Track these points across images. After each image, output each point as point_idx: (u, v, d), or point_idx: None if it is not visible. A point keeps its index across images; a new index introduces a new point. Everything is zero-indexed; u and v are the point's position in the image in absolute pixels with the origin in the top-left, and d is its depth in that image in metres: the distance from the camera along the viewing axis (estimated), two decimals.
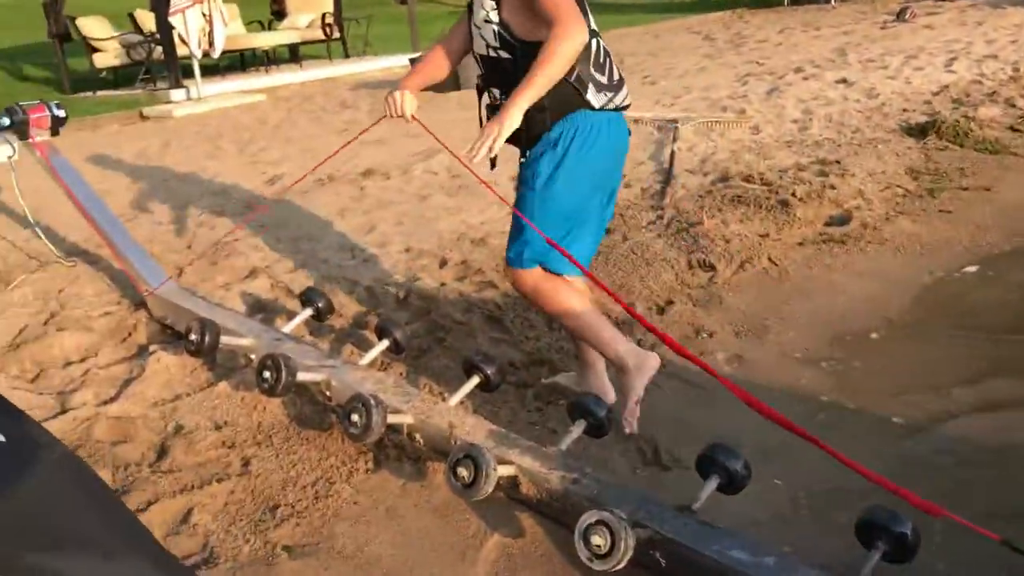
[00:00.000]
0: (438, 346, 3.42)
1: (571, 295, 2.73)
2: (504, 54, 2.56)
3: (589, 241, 2.77)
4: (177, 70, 10.56)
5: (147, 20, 11.32)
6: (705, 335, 3.50)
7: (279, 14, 14.16)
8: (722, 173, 5.35)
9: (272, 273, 4.27)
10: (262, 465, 2.74)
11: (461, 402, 2.83)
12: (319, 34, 12.90)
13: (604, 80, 2.61)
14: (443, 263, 4.32)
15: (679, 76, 9.03)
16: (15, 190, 4.21)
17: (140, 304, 3.84)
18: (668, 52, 11.13)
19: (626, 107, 2.72)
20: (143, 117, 9.71)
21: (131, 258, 3.82)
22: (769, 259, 4.10)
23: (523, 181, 2.70)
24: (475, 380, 2.84)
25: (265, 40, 12.12)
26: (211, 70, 11.35)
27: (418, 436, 2.73)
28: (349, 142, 3.87)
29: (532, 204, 2.63)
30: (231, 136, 8.02)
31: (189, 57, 10.11)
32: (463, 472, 2.36)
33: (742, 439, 2.56)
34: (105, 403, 3.13)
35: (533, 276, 2.70)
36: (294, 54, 13.77)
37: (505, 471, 2.43)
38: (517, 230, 2.69)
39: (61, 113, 4.17)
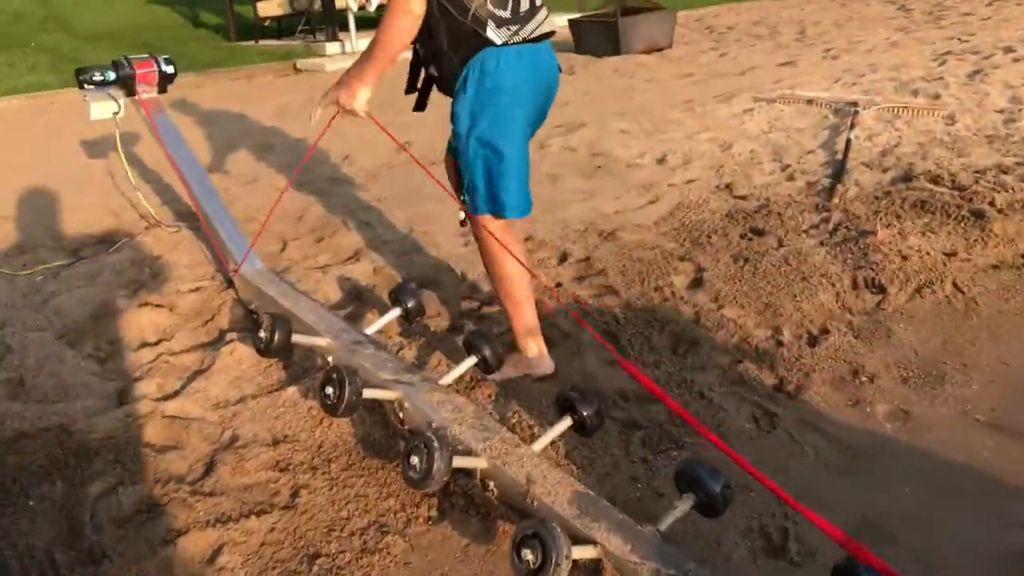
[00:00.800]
0: None
1: (514, 265, 2.75)
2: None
3: (516, 184, 2.68)
4: (335, 23, 10.40)
5: None
6: (864, 378, 2.85)
7: None
8: (905, 170, 4.57)
9: (377, 256, 3.89)
10: (312, 499, 2.35)
11: (551, 444, 2.35)
12: None
13: (506, 14, 2.54)
14: (563, 258, 3.82)
15: (865, 51, 8.07)
16: (118, 148, 3.99)
17: (230, 282, 3.54)
18: (856, 23, 10.06)
19: (542, 36, 2.66)
20: (296, 70, 9.61)
21: (221, 231, 3.52)
22: (954, 285, 3.37)
23: (453, 130, 2.70)
24: (568, 422, 2.34)
25: None
26: (368, 23, 11.13)
27: (492, 485, 2.26)
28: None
29: (464, 152, 2.65)
30: (375, 96, 7.72)
31: (347, 10, 9.91)
32: (529, 555, 1.87)
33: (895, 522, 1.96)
34: (165, 398, 2.83)
35: (488, 225, 2.71)
36: None
37: (585, 553, 1.94)
38: (468, 178, 2.70)
39: (170, 69, 3.90)
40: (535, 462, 2.20)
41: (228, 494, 2.38)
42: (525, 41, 2.58)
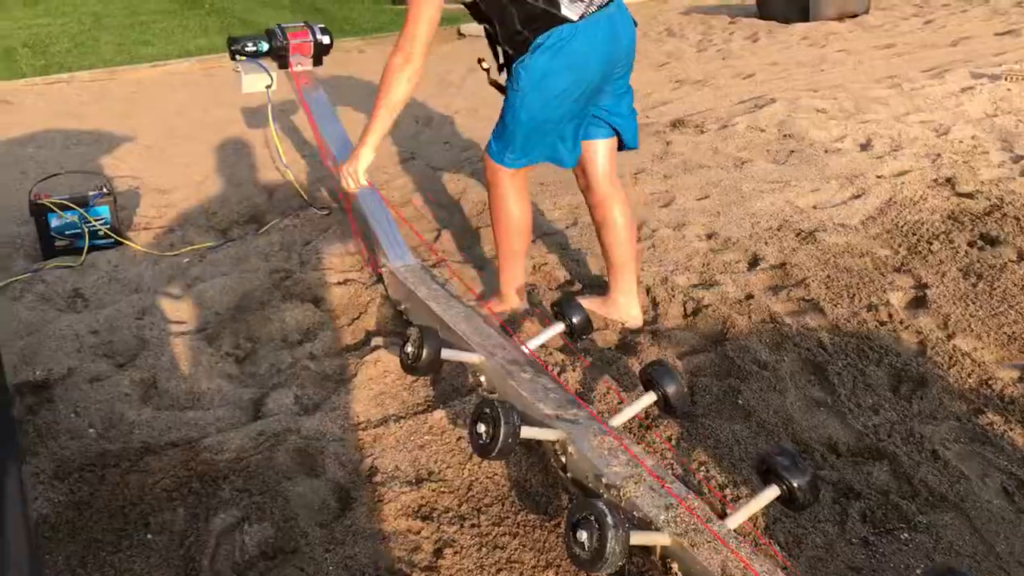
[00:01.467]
0: (728, 400, 2.47)
1: (518, 212, 2.84)
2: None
3: (569, 145, 2.75)
4: None
5: None
6: None
7: None
8: None
9: (537, 251, 3.49)
10: (457, 561, 1.98)
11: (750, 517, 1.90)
12: None
13: None
14: (753, 262, 3.31)
15: None
16: (270, 123, 3.74)
17: (379, 276, 3.23)
18: None
19: (606, 3, 2.60)
20: (460, 35, 9.28)
21: (371, 221, 3.20)
22: None
23: (508, 83, 2.68)
24: (773, 492, 1.88)
25: None
26: None
27: (676, 568, 1.83)
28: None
29: (514, 106, 2.64)
30: None
31: None
32: None
33: None
34: (303, 412, 2.53)
35: (499, 172, 2.76)
36: None
37: None
38: (501, 124, 2.73)
39: (325, 39, 3.60)
40: (733, 543, 1.76)
41: (362, 543, 2.04)
42: (600, 8, 2.58)
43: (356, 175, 2.82)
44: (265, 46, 3.52)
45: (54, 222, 3.53)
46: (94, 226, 3.58)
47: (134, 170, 4.96)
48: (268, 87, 3.60)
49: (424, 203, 4.10)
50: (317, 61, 3.64)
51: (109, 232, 3.61)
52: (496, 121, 2.75)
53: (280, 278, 3.36)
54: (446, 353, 2.41)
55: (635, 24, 2.78)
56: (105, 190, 3.64)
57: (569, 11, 2.55)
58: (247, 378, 2.76)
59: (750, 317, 2.89)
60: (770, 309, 2.93)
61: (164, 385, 2.68)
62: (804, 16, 7.87)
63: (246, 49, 3.50)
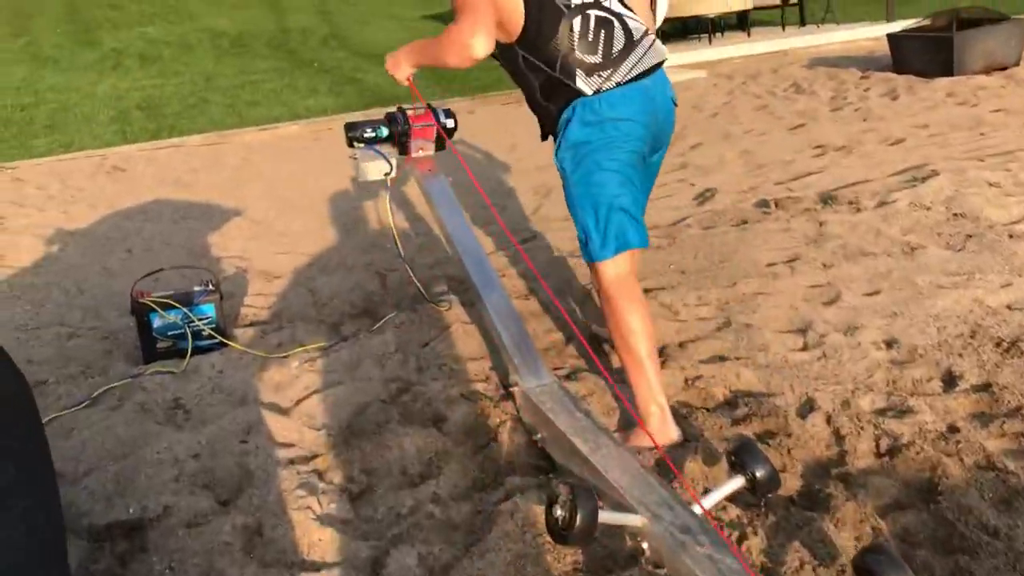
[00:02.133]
0: None
1: (637, 318, 2.59)
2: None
3: (626, 218, 2.57)
4: None
5: None
6: None
7: None
8: None
9: (685, 355, 3.04)
10: None
11: None
12: None
13: (596, 59, 2.49)
14: (949, 381, 2.79)
15: None
16: (388, 212, 3.41)
17: (507, 390, 2.84)
18: None
19: (646, 71, 2.54)
20: None
21: (499, 328, 2.81)
22: None
23: (561, 172, 2.64)
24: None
25: (714, 6, 10.83)
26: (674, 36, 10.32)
27: None
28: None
29: (572, 196, 2.61)
30: None
31: None
32: None
33: None
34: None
35: (598, 270, 2.62)
36: (743, 21, 12.37)
37: None
38: (576, 223, 2.64)
39: (450, 123, 3.26)
40: None
41: None
42: (624, 82, 2.49)
43: (395, 72, 2.87)
44: (385, 131, 3.21)
45: (156, 322, 3.27)
46: (198, 326, 3.30)
47: (242, 250, 4.73)
48: (387, 175, 3.28)
49: (547, 298, 3.71)
50: (440, 146, 3.31)
51: (213, 332, 3.32)
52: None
53: (397, 389, 3.00)
54: (603, 516, 1.99)
55: (675, 104, 2.71)
56: (211, 286, 3.36)
57: (584, 85, 2.49)
58: (363, 524, 2.38)
59: (962, 460, 2.38)
60: (984, 449, 2.41)
61: (270, 533, 2.32)
62: (947, 70, 7.27)
63: (364, 136, 3.19)
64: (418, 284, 3.46)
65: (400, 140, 3.24)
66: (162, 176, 6.72)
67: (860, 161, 5.07)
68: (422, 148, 3.31)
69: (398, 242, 3.39)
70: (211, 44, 14.24)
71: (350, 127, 3.21)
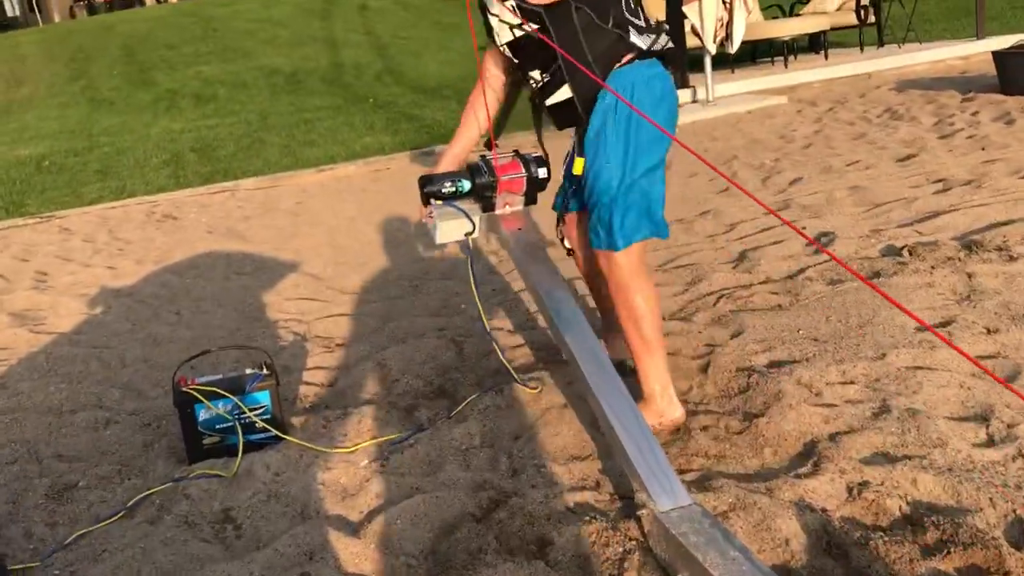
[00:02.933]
0: None
1: (648, 301, 2.60)
2: (530, 26, 2.47)
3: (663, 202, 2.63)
4: (684, 66, 9.14)
5: (654, 7, 10.06)
6: None
7: None
8: None
9: (846, 452, 2.46)
10: None
11: None
12: (851, 19, 10.72)
13: (641, 23, 2.53)
14: None
15: None
16: (471, 277, 2.89)
17: (633, 509, 2.29)
18: None
19: (669, 51, 2.58)
20: None
21: (627, 442, 2.26)
22: None
23: (595, 153, 2.55)
24: None
25: (788, 28, 10.24)
26: (715, 63, 9.75)
27: None
28: None
29: (620, 180, 2.52)
30: (745, 157, 6.33)
31: (697, 49, 8.61)
32: None
33: None
34: None
35: (630, 257, 2.55)
36: (814, 43, 11.75)
37: None
38: (618, 206, 2.52)
39: (542, 173, 2.75)
40: None
41: None
42: (663, 50, 2.54)
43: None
44: (467, 185, 2.70)
45: (202, 415, 2.78)
46: (250, 418, 2.81)
47: (300, 312, 4.26)
48: (468, 234, 2.78)
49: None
50: (530, 199, 2.80)
51: (267, 425, 2.82)
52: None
53: (489, 501, 2.46)
54: None
55: None
56: (266, 369, 2.87)
57: (638, 40, 2.51)
58: None
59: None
60: None
61: None
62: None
63: (443, 191, 2.69)
64: (507, 363, 2.92)
65: (484, 195, 2.73)
66: (214, 225, 6.32)
67: (994, 198, 4.44)
68: (509, 203, 2.80)
69: (484, 315, 2.86)
70: (266, 82, 14.02)
71: (427, 181, 2.71)
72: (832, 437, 2.59)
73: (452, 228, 2.77)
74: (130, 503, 2.64)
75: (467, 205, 2.78)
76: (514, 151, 2.81)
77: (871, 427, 2.60)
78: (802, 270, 3.88)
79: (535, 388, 3.00)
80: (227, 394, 2.78)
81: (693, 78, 9.09)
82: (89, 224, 6.77)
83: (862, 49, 11.16)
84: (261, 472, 2.69)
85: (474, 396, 3.04)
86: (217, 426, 2.80)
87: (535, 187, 2.78)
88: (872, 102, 7.84)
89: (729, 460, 2.55)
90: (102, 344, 4.11)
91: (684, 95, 8.84)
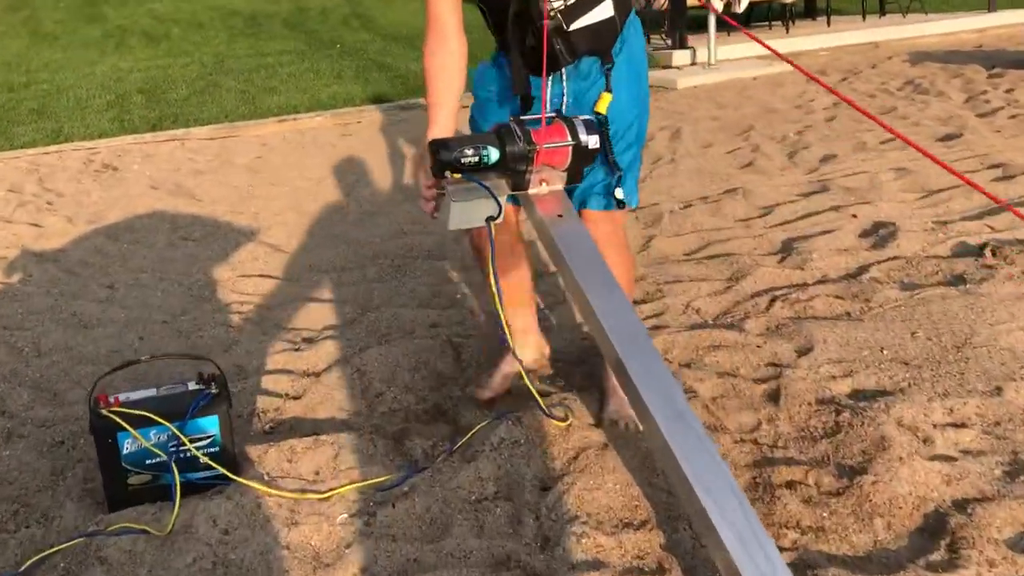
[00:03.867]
0: None
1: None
2: None
3: None
4: (683, 25, 8.45)
5: None
6: None
7: None
8: None
9: (981, 530, 1.85)
10: None
11: None
12: None
13: None
14: None
15: None
16: (491, 273, 2.20)
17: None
18: None
19: None
20: None
21: (715, 514, 1.61)
22: None
23: (626, 91, 2.23)
24: None
25: None
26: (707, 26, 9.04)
27: None
28: None
29: (629, 137, 2.27)
30: (763, 128, 5.69)
31: (700, 8, 7.92)
32: None
33: None
34: None
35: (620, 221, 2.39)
36: (810, 9, 11.14)
37: None
38: (637, 158, 2.34)
39: (593, 142, 2.07)
40: None
41: None
42: None
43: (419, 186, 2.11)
44: (494, 154, 2.01)
45: (128, 446, 2.08)
46: (193, 453, 2.12)
47: (259, 293, 3.55)
48: (492, 219, 2.10)
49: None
50: (574, 176, 2.12)
51: (214, 462, 2.14)
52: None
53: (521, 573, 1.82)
54: None
55: None
56: (214, 386, 2.17)
57: None
58: None
59: None
60: None
61: None
62: None
63: (464, 160, 1.99)
64: (533, 389, 2.24)
65: (516, 168, 2.05)
66: (160, 179, 5.53)
67: None
68: (546, 179, 2.12)
69: (508, 328, 2.18)
70: (223, 24, 13.03)
71: (441, 146, 2.00)
72: (960, 506, 1.98)
73: (471, 210, 2.09)
74: (24, 566, 1.95)
75: (491, 180, 2.09)
76: (556, 111, 2.13)
77: (1008, 494, 2.00)
78: (864, 268, 3.26)
79: (564, 420, 2.34)
80: (161, 420, 2.09)
81: (693, 39, 8.40)
82: (16, 171, 5.94)
83: (864, 17, 10.55)
84: (205, 528, 2.00)
85: (484, 424, 2.38)
86: (147, 462, 2.10)
87: (583, 159, 2.10)
88: (888, 74, 7.24)
89: (830, 536, 1.93)
90: (15, 325, 3.37)
91: (683, 56, 8.16)
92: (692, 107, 6.60)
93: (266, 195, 5.02)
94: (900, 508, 1.98)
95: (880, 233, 3.56)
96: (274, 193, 5.05)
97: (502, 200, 2.09)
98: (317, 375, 2.79)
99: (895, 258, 3.31)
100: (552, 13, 2.15)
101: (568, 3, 2.16)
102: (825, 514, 1.97)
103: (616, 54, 2.24)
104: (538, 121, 2.10)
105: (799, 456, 2.21)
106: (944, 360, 2.56)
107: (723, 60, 7.98)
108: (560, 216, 2.08)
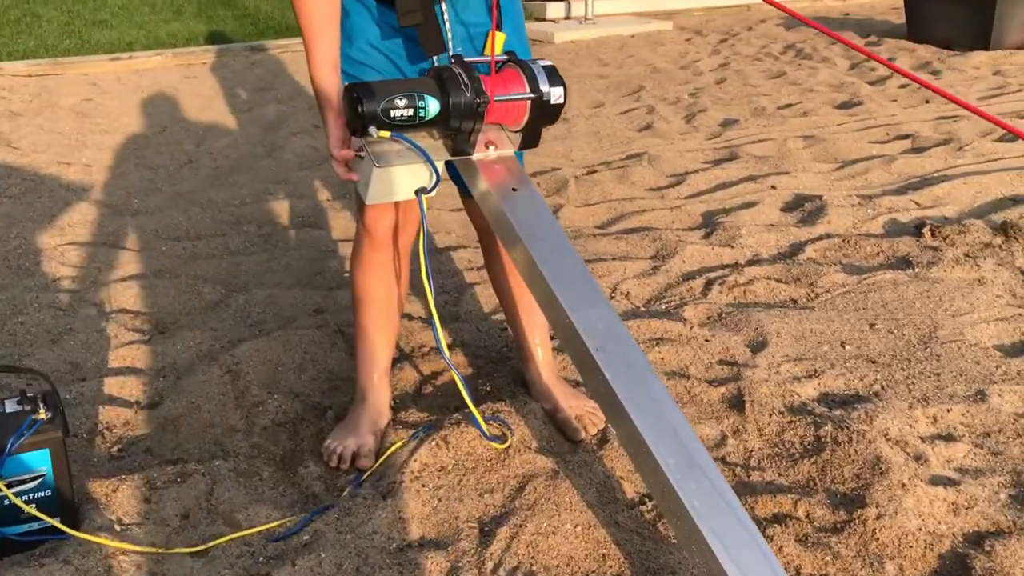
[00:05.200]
0: None
1: None
2: None
3: None
4: None
5: None
6: None
7: None
8: None
9: (1002, 567, 1.57)
10: None
11: None
12: None
13: None
14: None
15: None
16: (422, 260, 1.72)
17: None
18: None
19: None
20: None
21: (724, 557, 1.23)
22: None
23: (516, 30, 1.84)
24: None
25: None
26: None
27: None
28: None
29: None
30: (654, 88, 5.37)
31: None
32: None
33: None
34: None
35: None
36: None
37: None
38: None
39: (556, 95, 1.63)
40: None
41: None
42: None
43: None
44: (434, 106, 1.54)
45: None
46: (12, 502, 1.56)
47: (94, 263, 2.91)
48: (423, 192, 1.63)
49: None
50: (530, 139, 1.67)
51: (40, 512, 1.58)
52: None
53: None
54: None
55: None
56: (44, 411, 1.60)
57: None
58: None
59: None
60: None
61: None
62: (982, 42, 6.04)
63: (395, 114, 1.51)
64: (471, 403, 1.78)
65: (460, 125, 1.58)
66: None
67: (986, 165, 3.70)
68: (495, 142, 1.67)
69: (439, 325, 1.71)
70: None
71: (365, 93, 1.50)
72: (976, 542, 1.69)
73: (398, 180, 1.61)
74: None
75: (426, 141, 1.62)
76: (508, 54, 1.66)
77: (1020, 531, 1.71)
78: (799, 247, 2.97)
79: (503, 441, 1.90)
80: None
81: None
82: None
83: None
84: None
85: (398, 444, 1.91)
86: None
87: (543, 118, 1.65)
88: (767, 37, 7.08)
89: None
90: None
91: (558, 9, 7.75)
92: (574, 63, 6.21)
93: (99, 144, 4.28)
94: (911, 547, 1.67)
95: (806, 208, 3.28)
96: (109, 142, 4.31)
97: (440, 167, 1.63)
98: (177, 377, 2.23)
99: (828, 236, 3.03)
100: None
101: None
102: (828, 558, 1.63)
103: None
104: (498, 63, 1.64)
105: (781, 480, 1.87)
106: (913, 357, 2.28)
107: (600, 15, 7.62)
108: (515, 190, 1.63)
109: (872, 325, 2.44)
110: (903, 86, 5.19)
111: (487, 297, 2.67)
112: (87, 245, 3.07)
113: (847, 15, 8.31)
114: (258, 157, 4.09)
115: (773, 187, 3.51)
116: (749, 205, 3.32)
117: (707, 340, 2.36)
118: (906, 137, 4.13)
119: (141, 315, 2.58)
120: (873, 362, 2.27)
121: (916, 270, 2.73)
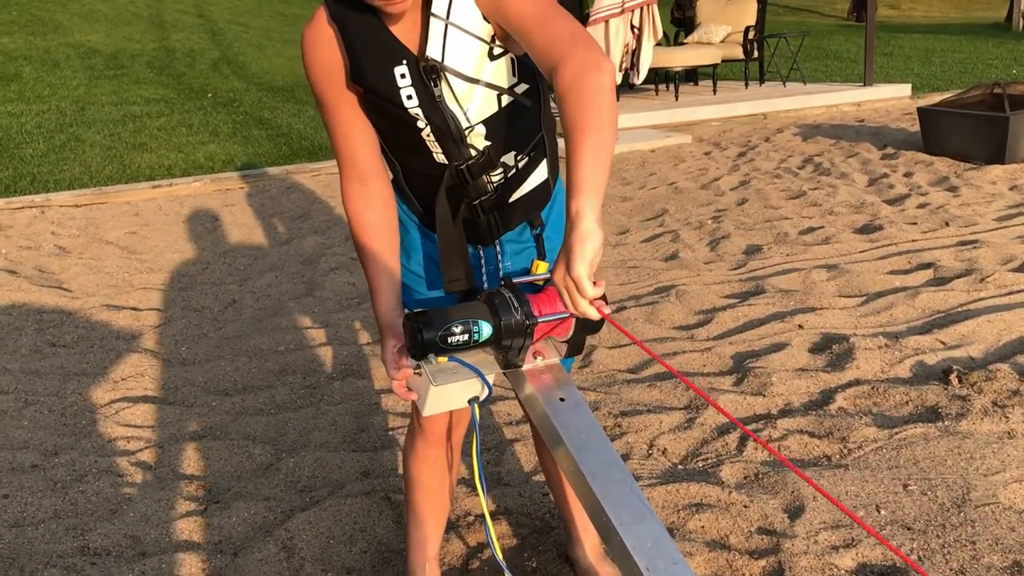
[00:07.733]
0: None
1: None
2: (523, 87, 1.67)
3: None
4: None
5: None
6: None
7: (681, 23, 11.74)
8: None
9: None
10: None
11: None
12: (737, 52, 10.25)
13: None
14: None
15: None
16: (475, 467, 1.83)
17: None
18: None
19: None
20: None
21: None
22: None
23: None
24: None
25: (681, 59, 9.61)
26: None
27: None
28: None
29: None
30: (676, 211, 5.52)
31: None
32: None
33: None
34: None
35: None
36: (690, 74, 11.29)
37: None
38: None
39: (602, 309, 1.74)
40: None
41: None
42: None
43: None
44: (487, 330, 1.65)
45: None
46: None
47: (146, 423, 3.03)
48: (474, 401, 1.74)
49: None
50: (576, 347, 1.78)
51: None
52: None
53: None
54: None
55: None
56: None
57: None
58: None
59: None
60: None
61: None
62: (998, 156, 6.18)
63: (452, 340, 1.62)
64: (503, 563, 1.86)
65: (510, 344, 1.69)
66: (18, 259, 4.87)
67: (1008, 298, 3.78)
68: (541, 352, 1.78)
69: (490, 522, 1.81)
70: (82, 63, 12.19)
71: (423, 324, 1.62)
72: None
73: (452, 393, 1.72)
74: None
75: (477, 357, 1.73)
76: (550, 274, 1.79)
77: None
78: (828, 395, 3.05)
79: None
80: None
81: None
82: None
83: (747, 85, 10.74)
84: None
85: None
86: None
87: (587, 329, 1.76)
88: (783, 149, 7.26)
89: None
90: None
91: None
92: None
93: (145, 284, 4.46)
94: None
95: (833, 349, 3.37)
96: (155, 281, 4.49)
97: (491, 379, 1.74)
98: (234, 553, 2.32)
99: (857, 382, 3.11)
100: (492, 187, 1.79)
101: (509, 175, 1.80)
102: None
103: (546, 216, 1.90)
104: (532, 285, 1.77)
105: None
106: (948, 523, 2.33)
107: (621, 129, 7.86)
108: (562, 400, 1.73)
109: (905, 486, 2.50)
110: (921, 206, 5.32)
111: (527, 456, 2.75)
112: (140, 401, 3.19)
113: (862, 121, 8.52)
114: (299, 297, 4.24)
115: (800, 326, 3.61)
116: (778, 347, 3.41)
117: (745, 506, 2.43)
118: (928, 266, 4.23)
119: (195, 480, 2.68)
120: (908, 528, 2.33)
121: (946, 423, 2.80)
